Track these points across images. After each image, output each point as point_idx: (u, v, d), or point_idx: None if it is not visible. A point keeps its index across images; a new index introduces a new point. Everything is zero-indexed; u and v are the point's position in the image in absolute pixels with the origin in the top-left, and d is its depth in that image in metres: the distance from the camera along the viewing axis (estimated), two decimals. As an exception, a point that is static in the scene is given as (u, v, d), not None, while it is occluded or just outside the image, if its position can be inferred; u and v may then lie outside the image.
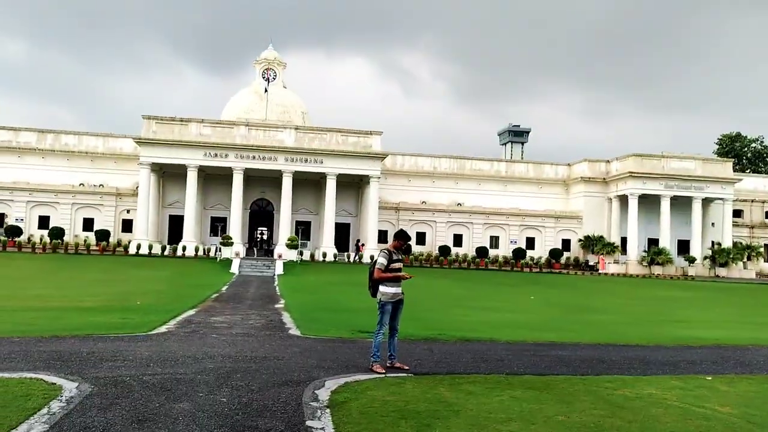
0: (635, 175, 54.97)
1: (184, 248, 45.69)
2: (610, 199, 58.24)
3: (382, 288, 8.65)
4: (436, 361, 9.41)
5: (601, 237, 56.91)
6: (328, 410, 6.37)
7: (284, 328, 12.89)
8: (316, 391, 7.11)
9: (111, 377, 7.39)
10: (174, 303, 18.18)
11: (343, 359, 9.25)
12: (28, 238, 47.75)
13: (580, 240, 57.96)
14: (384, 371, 8.35)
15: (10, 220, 49.70)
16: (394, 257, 8.69)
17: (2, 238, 46.32)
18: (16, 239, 46.49)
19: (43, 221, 50.73)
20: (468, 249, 56.11)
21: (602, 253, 55.07)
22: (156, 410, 6.09)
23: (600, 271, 53.22)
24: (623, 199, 56.81)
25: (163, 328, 12.06)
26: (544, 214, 58.46)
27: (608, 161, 59.56)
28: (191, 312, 15.84)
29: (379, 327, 8.66)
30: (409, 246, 40.91)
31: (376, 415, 6.23)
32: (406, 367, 8.68)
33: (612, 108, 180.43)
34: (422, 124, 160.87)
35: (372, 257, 46.59)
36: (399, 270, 8.70)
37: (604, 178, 58.62)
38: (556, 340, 12.58)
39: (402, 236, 8.84)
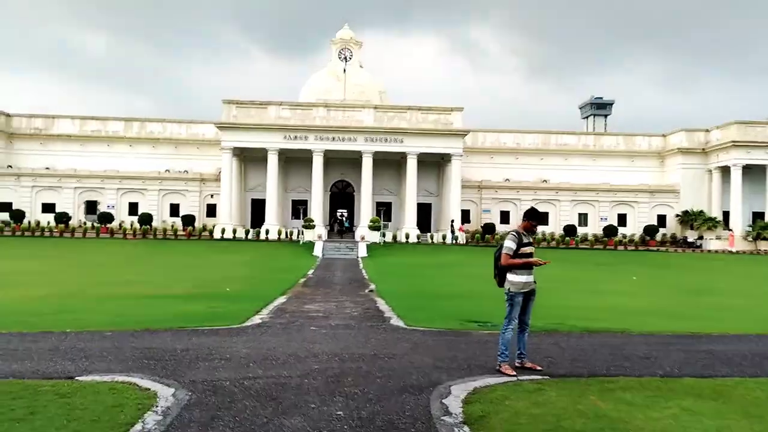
0: (738, 144, 50.92)
1: (267, 232, 45.79)
2: (710, 170, 54.31)
3: (510, 276, 7.41)
4: (570, 359, 8.10)
5: (701, 212, 53.27)
6: (466, 428, 5.24)
7: (384, 318, 11.85)
8: (444, 401, 5.98)
9: (209, 381, 6.51)
10: (263, 289, 17.57)
11: (462, 357, 8.07)
12: (120, 224, 49.14)
13: (677, 215, 54.47)
14: (515, 373, 7.13)
15: (102, 207, 51.28)
16: (524, 240, 7.43)
17: (96, 224, 47.85)
18: (109, 225, 47.88)
19: (133, 208, 52.05)
20: (555, 227, 53.73)
21: (729, 230, 51.24)
22: (264, 427, 5.13)
23: (730, 249, 49.33)
24: (725, 171, 52.85)
25: (256, 319, 11.27)
26: (637, 188, 55.17)
27: (707, 130, 55.47)
28: (282, 299, 15.10)
29: (507, 321, 7.42)
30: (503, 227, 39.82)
31: (527, 436, 5.05)
32: (539, 368, 7.43)
33: (696, 76, 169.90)
34: (495, 101, 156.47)
35: (458, 237, 45.28)
36: (530, 255, 7.43)
37: (703, 149, 54.68)
38: (698, 330, 10.94)
39: (533, 215, 7.55)
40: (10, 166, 52.10)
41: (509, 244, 7.35)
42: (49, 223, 47.91)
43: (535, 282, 7.55)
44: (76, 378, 6.54)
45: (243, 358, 7.60)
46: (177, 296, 15.96)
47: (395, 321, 11.35)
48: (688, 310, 14.73)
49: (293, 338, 9.16)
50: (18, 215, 48.63)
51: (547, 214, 54.60)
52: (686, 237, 53.49)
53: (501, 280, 7.54)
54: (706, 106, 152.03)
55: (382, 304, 14.45)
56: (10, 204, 50.38)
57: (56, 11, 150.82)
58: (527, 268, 7.42)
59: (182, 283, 19.94)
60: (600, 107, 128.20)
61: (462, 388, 6.44)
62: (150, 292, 17.03)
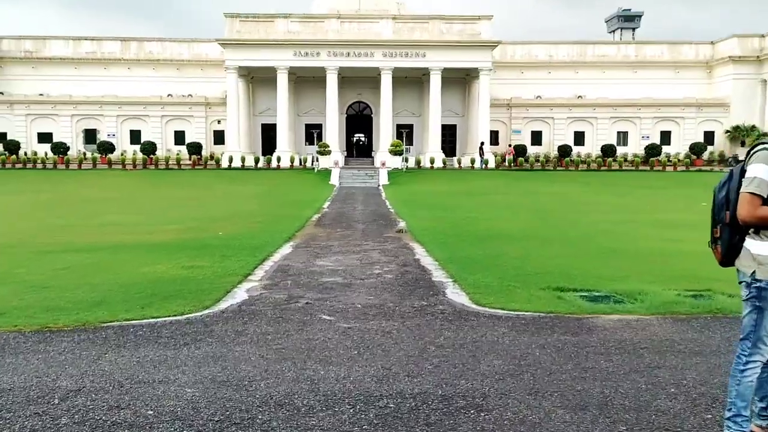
0: (801, 49, 45.35)
1: (278, 159, 41.90)
2: (765, 80, 48.86)
3: (758, 247, 3.41)
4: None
5: (753, 126, 48.28)
6: None
7: (434, 286, 7.91)
8: None
9: None
10: (265, 233, 13.82)
11: (621, 400, 4.00)
12: (121, 154, 45.41)
13: (727, 131, 49.50)
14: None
15: (102, 136, 47.53)
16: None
17: (95, 154, 44.17)
18: (109, 156, 44.18)
19: (135, 136, 48.24)
20: (591, 148, 49.20)
21: None
22: None
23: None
24: (782, 81, 47.49)
25: (241, 293, 7.46)
26: (682, 102, 49.99)
27: (762, 36, 49.61)
28: (287, 249, 11.32)
29: (749, 347, 3.38)
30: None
31: None
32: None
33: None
34: (514, 19, 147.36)
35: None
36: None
37: (757, 56, 48.99)
38: None
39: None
40: (2, 93, 48.14)
41: (761, 171, 3.31)
42: (46, 154, 44.40)
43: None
44: None
45: (184, 408, 3.74)
46: (155, 245, 12.30)
47: (453, 293, 7.41)
48: None
49: (289, 347, 5.24)
50: (13, 146, 45.10)
51: (583, 133, 50.02)
52: (736, 155, 48.67)
53: (730, 252, 3.51)
54: (735, 19, 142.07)
55: (422, 254, 10.58)
56: (5, 134, 46.80)
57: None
58: (796, 228, 3.38)
59: (171, 225, 16.30)
60: (628, 20, 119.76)
61: None
62: (123, 238, 13.38)
